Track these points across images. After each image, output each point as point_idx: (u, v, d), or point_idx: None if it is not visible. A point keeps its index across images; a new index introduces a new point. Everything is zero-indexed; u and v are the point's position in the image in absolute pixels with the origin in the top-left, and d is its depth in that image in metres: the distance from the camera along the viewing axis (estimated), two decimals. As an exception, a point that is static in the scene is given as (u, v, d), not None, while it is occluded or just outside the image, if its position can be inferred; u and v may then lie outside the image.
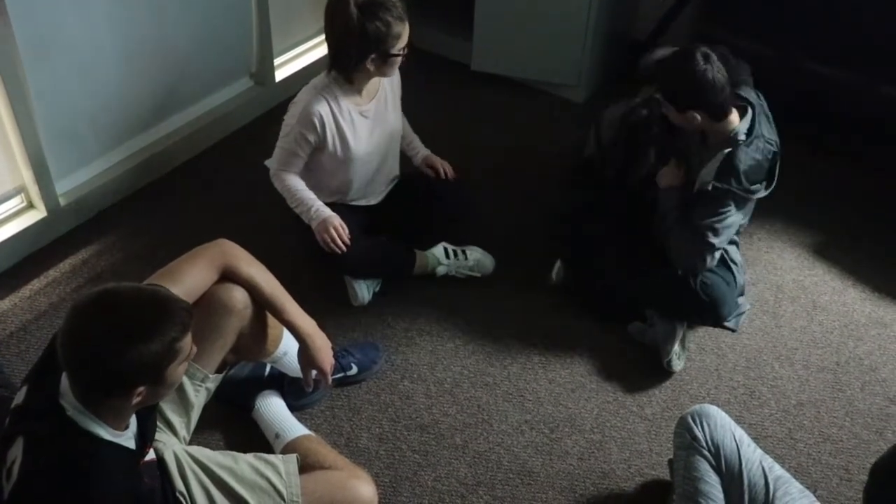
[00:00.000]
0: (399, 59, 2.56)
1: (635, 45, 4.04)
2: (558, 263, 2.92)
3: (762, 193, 2.56)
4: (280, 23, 3.56)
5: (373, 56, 2.50)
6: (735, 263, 2.73)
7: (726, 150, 2.49)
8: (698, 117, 2.47)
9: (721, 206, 2.52)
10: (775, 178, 2.57)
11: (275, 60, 3.64)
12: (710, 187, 2.51)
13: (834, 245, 3.22)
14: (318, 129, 2.57)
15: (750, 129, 2.51)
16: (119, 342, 1.52)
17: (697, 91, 2.43)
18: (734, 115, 2.51)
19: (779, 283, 3.05)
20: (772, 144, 2.54)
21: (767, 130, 2.55)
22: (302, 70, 3.74)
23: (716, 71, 2.42)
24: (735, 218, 2.56)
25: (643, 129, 2.83)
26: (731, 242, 2.76)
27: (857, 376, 2.74)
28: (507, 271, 2.99)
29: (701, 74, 2.41)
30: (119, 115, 3.07)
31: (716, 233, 2.54)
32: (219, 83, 3.47)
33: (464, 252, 2.94)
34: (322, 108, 2.57)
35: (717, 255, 2.60)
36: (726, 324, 2.77)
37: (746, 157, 2.48)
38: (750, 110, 2.53)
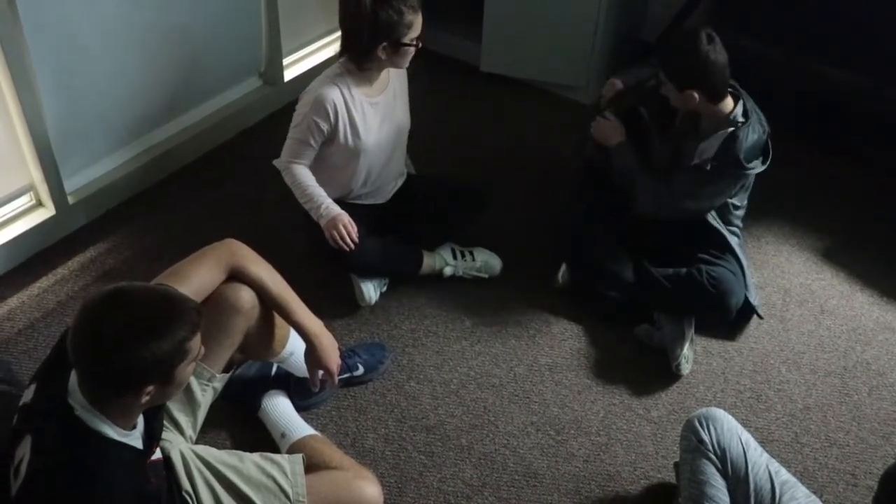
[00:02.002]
0: (411, 49, 2.56)
1: (645, 47, 4.05)
2: (563, 266, 2.92)
3: (759, 169, 2.64)
4: (289, 22, 3.57)
5: (384, 44, 2.51)
6: (740, 252, 2.76)
7: (729, 129, 2.58)
8: (696, 97, 2.54)
9: (711, 181, 2.61)
10: (770, 154, 2.65)
11: (284, 60, 3.65)
12: (708, 166, 2.59)
13: (842, 249, 3.21)
14: (331, 116, 2.57)
15: (745, 112, 2.60)
16: (129, 341, 1.52)
17: (699, 70, 2.51)
18: (729, 100, 2.60)
19: (786, 287, 3.05)
20: (763, 124, 2.63)
21: (758, 111, 2.65)
22: (311, 70, 3.75)
23: (718, 53, 2.51)
24: (720, 192, 2.64)
25: (637, 119, 2.84)
26: (732, 233, 2.76)
27: (865, 381, 2.73)
28: (513, 273, 2.99)
29: (704, 54, 2.49)
30: (128, 113, 3.08)
31: (694, 199, 2.64)
32: (228, 82, 3.48)
33: (471, 253, 2.94)
34: (335, 96, 2.57)
35: (684, 208, 2.68)
36: (756, 308, 2.79)
37: (748, 137, 2.56)
38: (741, 96, 2.63)
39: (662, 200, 2.68)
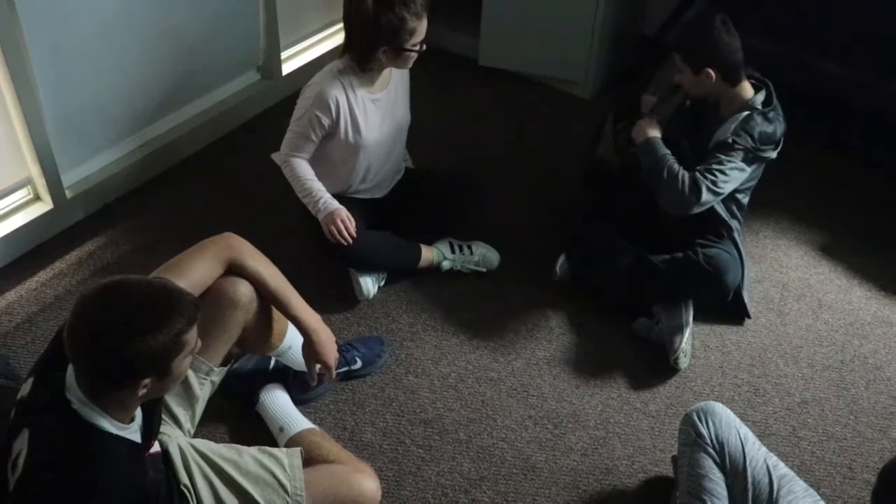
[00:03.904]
0: (413, 54, 2.56)
1: (644, 41, 4.04)
2: (561, 258, 2.92)
3: (769, 154, 2.65)
4: (287, 16, 3.56)
5: (384, 48, 2.50)
6: (739, 239, 2.77)
7: (745, 113, 2.60)
8: (713, 75, 2.56)
9: (728, 156, 2.60)
10: (781, 143, 2.67)
11: (282, 54, 3.64)
12: (728, 139, 2.59)
13: (840, 243, 3.22)
14: (333, 112, 2.57)
15: (768, 101, 2.64)
16: (126, 334, 1.52)
17: (712, 48, 2.55)
18: (748, 86, 2.63)
19: (784, 281, 3.05)
20: (782, 121, 2.65)
21: (780, 109, 2.67)
22: (309, 63, 3.74)
23: (731, 36, 2.56)
24: (737, 173, 2.61)
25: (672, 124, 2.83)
26: (734, 217, 2.76)
27: (862, 375, 2.73)
28: (511, 267, 2.99)
29: (717, 34, 2.55)
30: (126, 107, 3.08)
31: (715, 180, 2.59)
32: (226, 76, 3.47)
33: (469, 247, 2.94)
34: (338, 92, 2.57)
35: (710, 196, 2.60)
36: (746, 305, 2.79)
37: (762, 122, 2.59)
38: (764, 88, 2.66)
39: (702, 188, 2.59)
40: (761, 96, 2.63)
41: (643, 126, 2.78)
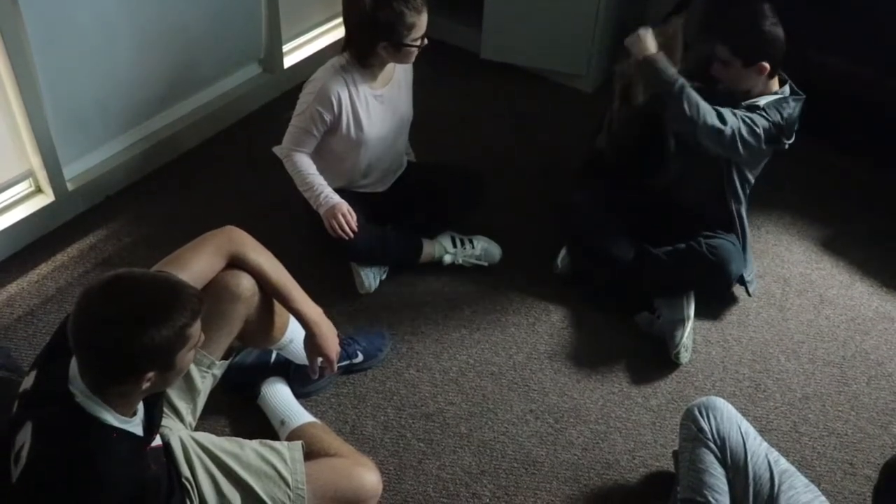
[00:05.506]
0: (414, 49, 2.55)
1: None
2: (563, 252, 2.92)
3: (786, 144, 2.63)
4: (289, 9, 3.55)
5: (384, 44, 2.50)
6: (746, 221, 2.76)
7: (777, 96, 2.58)
8: (767, 67, 2.51)
9: (758, 118, 2.53)
10: (794, 135, 2.65)
11: (283, 47, 3.63)
12: (759, 104, 2.55)
13: (842, 239, 3.21)
14: (335, 108, 2.57)
15: (793, 92, 2.63)
16: (130, 327, 1.52)
17: (769, 41, 2.49)
18: (776, 79, 2.61)
19: (786, 277, 3.05)
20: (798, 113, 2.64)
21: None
22: (311, 57, 3.74)
23: (778, 26, 2.51)
24: (759, 128, 2.52)
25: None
26: (740, 202, 2.75)
27: (864, 371, 2.73)
28: (513, 261, 2.99)
29: (770, 25, 2.49)
30: (127, 100, 3.07)
31: (742, 122, 2.50)
32: (227, 69, 3.47)
33: (470, 241, 2.94)
34: (340, 88, 2.57)
35: (734, 121, 2.49)
36: (747, 283, 2.79)
37: (792, 108, 2.57)
38: (788, 81, 2.65)
39: (729, 120, 2.48)
40: (787, 88, 2.63)
41: (642, 35, 2.56)
